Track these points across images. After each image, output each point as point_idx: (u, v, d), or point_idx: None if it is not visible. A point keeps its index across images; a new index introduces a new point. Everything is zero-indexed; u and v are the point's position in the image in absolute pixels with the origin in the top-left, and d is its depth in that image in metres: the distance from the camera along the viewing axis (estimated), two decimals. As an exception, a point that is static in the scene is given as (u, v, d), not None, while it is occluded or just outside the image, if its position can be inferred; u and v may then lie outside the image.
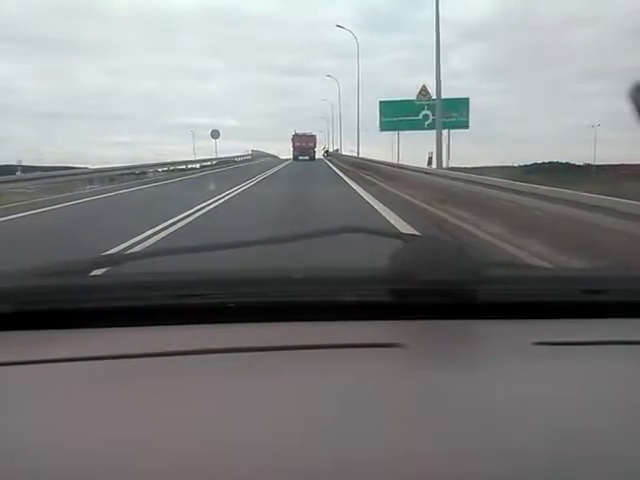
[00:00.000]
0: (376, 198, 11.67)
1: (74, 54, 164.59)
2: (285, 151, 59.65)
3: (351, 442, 0.55)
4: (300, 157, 52.10)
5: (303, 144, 54.69)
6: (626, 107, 0.89)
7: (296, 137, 56.01)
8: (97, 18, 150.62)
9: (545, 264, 4.53)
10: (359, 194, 13.15)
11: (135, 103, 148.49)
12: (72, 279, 0.95)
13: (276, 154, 70.26)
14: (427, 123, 27.23)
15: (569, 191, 6.44)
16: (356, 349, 0.79)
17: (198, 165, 31.08)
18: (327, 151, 59.49)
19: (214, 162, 35.56)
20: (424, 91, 25.43)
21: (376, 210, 9.66)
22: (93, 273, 0.98)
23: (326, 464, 0.52)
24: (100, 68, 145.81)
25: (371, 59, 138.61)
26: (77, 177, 17.76)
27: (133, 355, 0.77)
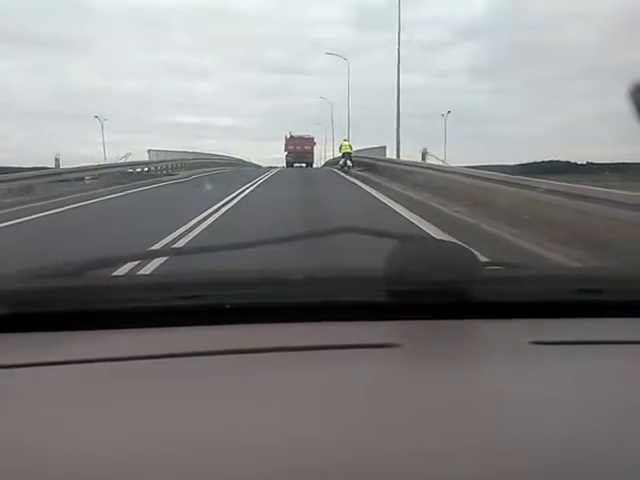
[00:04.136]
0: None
1: (63, 52, 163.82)
2: (280, 152, 44.22)
3: (351, 442, 0.55)
4: (296, 163, 41.34)
5: (298, 148, 43.54)
6: (624, 106, 0.87)
7: (290, 140, 44.62)
8: (86, 16, 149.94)
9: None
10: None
11: (126, 102, 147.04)
12: (70, 281, 0.95)
13: (249, 160, 49.72)
14: None
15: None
16: (354, 350, 0.79)
17: None
18: (349, 155, 25.03)
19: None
20: None
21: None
22: (91, 274, 0.98)
23: (326, 464, 0.52)
24: (89, 67, 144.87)
25: (363, 57, 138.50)
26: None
27: (133, 357, 0.77)
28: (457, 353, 0.80)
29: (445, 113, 47.24)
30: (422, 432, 0.57)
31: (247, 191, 14.70)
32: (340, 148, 26.21)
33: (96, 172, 18.69)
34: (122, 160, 24.99)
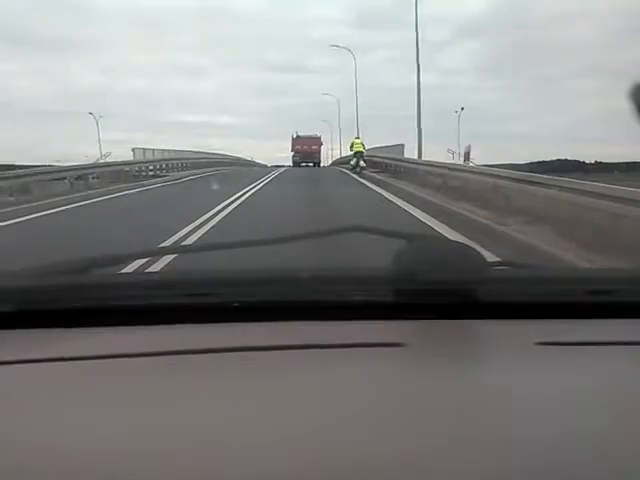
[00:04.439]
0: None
1: (64, 52, 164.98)
2: (284, 151, 44.76)
3: (353, 442, 0.55)
4: (302, 163, 40.60)
5: (305, 147, 42.78)
6: (626, 105, 0.88)
7: (297, 140, 43.84)
8: (87, 16, 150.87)
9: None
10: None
11: (127, 101, 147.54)
12: (74, 278, 0.95)
13: (253, 159, 48.40)
14: None
15: None
16: (359, 348, 0.79)
17: None
18: (361, 154, 22.39)
19: None
20: None
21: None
22: (97, 271, 0.99)
23: (328, 464, 0.52)
24: (90, 66, 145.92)
25: (366, 56, 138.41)
26: None
27: (136, 354, 0.78)
28: (463, 353, 0.80)
29: (459, 110, 44.26)
30: (428, 431, 0.57)
31: (244, 197, 12.09)
32: (351, 147, 23.31)
33: (69, 173, 15.21)
34: (102, 160, 21.80)
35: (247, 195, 12.81)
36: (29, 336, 0.86)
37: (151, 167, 21.76)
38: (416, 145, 20.78)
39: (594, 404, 0.64)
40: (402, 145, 23.14)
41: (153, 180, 18.75)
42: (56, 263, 0.98)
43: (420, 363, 0.77)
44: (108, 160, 22.27)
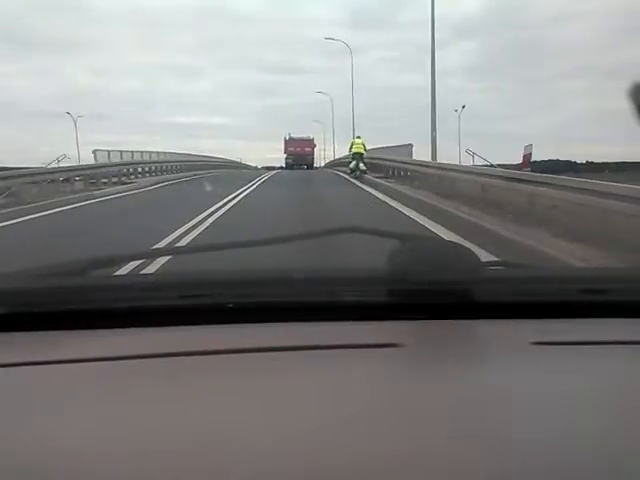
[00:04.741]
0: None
1: (59, 53, 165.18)
2: (275, 152, 45.40)
3: (352, 442, 0.55)
4: (295, 166, 39.81)
5: (298, 149, 42.49)
6: (616, 105, 0.88)
7: (290, 142, 43.50)
8: (82, 16, 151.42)
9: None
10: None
11: (121, 102, 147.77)
12: (69, 280, 0.95)
13: (242, 161, 47.38)
14: None
15: None
16: (355, 349, 0.79)
17: None
18: (361, 156, 19.55)
19: None
20: None
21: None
22: (92, 273, 0.99)
23: (327, 465, 0.52)
24: (86, 67, 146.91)
25: (359, 57, 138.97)
26: None
27: (135, 356, 0.77)
28: (458, 353, 0.80)
29: (459, 108, 42.98)
30: (426, 431, 0.57)
31: (211, 218, 8.70)
32: (350, 147, 20.66)
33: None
34: (54, 164, 17.50)
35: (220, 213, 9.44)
36: (25, 338, 0.86)
37: (116, 171, 18.58)
38: (423, 145, 18.11)
39: (591, 403, 0.64)
40: (410, 145, 20.20)
41: (112, 189, 15.62)
42: (51, 265, 0.98)
43: (415, 363, 0.77)
44: (62, 164, 18.37)
